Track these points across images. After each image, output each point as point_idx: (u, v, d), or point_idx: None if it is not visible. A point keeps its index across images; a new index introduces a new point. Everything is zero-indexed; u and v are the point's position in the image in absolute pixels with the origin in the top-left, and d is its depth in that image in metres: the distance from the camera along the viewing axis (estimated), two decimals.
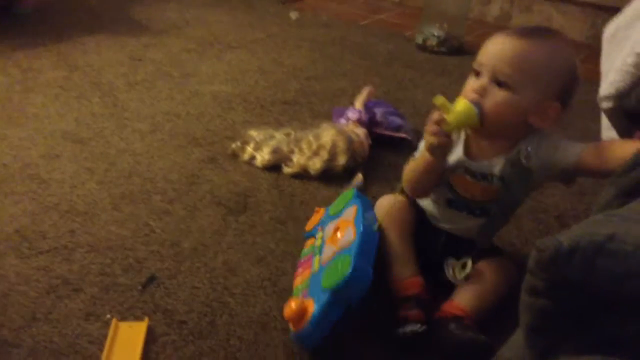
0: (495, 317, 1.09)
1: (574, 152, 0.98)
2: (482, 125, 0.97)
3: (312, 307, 0.93)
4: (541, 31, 1.01)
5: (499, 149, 1.03)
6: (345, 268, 0.90)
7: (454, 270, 1.06)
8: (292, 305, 0.95)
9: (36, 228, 1.25)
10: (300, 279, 1.08)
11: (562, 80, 0.98)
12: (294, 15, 2.71)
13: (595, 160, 0.95)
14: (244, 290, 1.13)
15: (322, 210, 1.25)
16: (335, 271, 0.93)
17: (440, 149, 1.00)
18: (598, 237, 0.48)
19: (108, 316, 1.04)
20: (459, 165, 1.06)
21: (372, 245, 0.97)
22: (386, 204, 1.17)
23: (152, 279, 1.14)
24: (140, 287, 1.11)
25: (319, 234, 1.16)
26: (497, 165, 1.03)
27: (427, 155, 1.02)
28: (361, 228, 0.99)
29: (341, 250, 0.98)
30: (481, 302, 1.04)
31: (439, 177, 1.07)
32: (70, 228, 1.26)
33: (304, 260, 1.14)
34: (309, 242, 1.19)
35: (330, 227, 1.12)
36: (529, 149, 1.00)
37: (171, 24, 2.52)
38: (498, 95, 0.97)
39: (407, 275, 1.07)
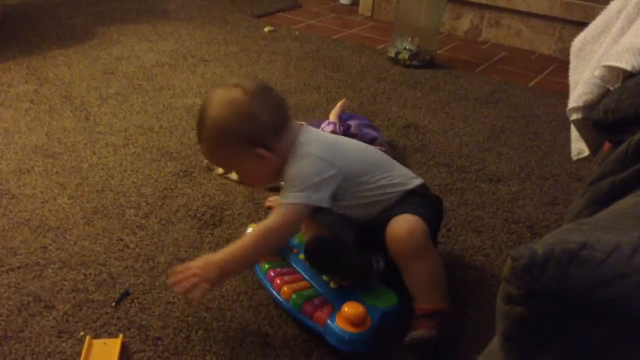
0: (473, 326, 1.11)
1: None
2: None
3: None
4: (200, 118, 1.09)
5: None
6: (392, 297, 1.09)
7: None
8: (360, 308, 1.01)
9: (6, 244, 1.23)
10: (295, 286, 1.09)
11: (232, 138, 1.06)
12: (267, 29, 2.72)
13: None
14: (220, 304, 1.12)
15: None
16: (379, 295, 1.09)
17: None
18: (571, 245, 0.49)
19: (81, 333, 1.03)
20: None
21: None
22: None
23: (126, 294, 1.12)
24: (114, 303, 1.10)
25: (301, 256, 1.16)
26: None
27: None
28: None
29: (367, 280, 1.12)
30: (428, 282, 1.07)
31: None
32: (41, 244, 1.24)
33: (283, 271, 1.14)
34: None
35: None
36: None
37: (143, 37, 2.51)
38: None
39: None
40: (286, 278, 1.12)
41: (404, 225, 1.06)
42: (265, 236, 1.04)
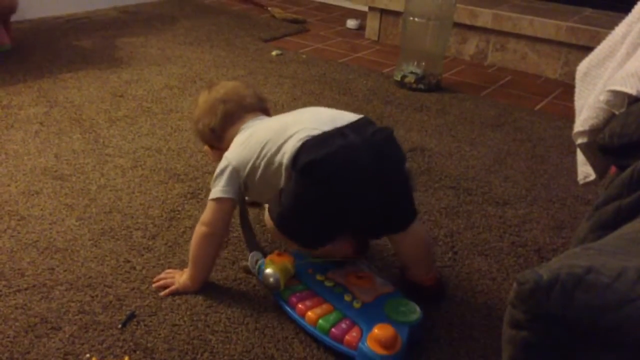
0: (479, 350, 1.10)
1: None
2: None
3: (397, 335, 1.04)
4: None
5: None
6: (415, 311, 1.11)
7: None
8: (391, 329, 1.02)
9: (14, 266, 1.23)
10: (319, 311, 1.09)
11: (196, 133, 1.37)
12: (275, 53, 2.75)
13: None
14: (226, 327, 1.12)
15: (287, 256, 1.20)
16: (403, 311, 1.10)
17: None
18: (577, 270, 0.49)
19: (87, 355, 1.03)
20: None
21: None
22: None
23: (131, 316, 1.12)
24: (120, 325, 1.10)
25: (319, 277, 1.18)
26: None
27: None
28: None
29: (389, 294, 1.15)
30: None
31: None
32: (49, 265, 1.24)
33: (304, 295, 1.14)
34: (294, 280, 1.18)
35: (338, 273, 1.19)
36: None
37: (153, 61, 2.54)
38: None
39: None
40: (308, 303, 1.11)
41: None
42: (199, 233, 1.19)
